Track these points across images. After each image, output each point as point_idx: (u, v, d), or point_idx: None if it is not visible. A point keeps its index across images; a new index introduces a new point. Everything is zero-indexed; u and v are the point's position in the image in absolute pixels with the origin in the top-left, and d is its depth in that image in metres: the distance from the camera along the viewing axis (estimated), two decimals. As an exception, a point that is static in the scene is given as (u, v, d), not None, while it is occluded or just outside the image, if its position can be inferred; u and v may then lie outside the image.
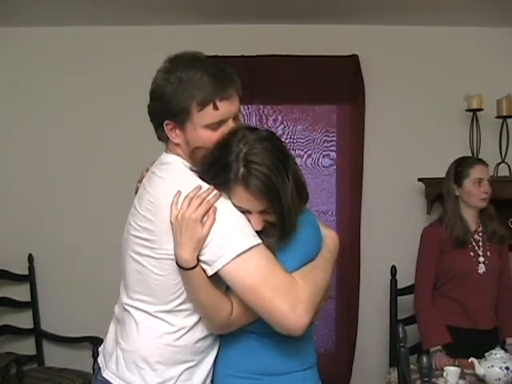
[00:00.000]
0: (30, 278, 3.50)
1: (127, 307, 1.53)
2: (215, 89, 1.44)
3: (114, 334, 1.60)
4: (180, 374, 1.49)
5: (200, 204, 1.37)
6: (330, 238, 1.58)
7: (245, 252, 1.36)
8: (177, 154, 1.52)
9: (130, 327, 1.52)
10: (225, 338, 1.53)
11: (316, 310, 1.42)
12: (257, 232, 1.42)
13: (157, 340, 1.48)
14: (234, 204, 1.41)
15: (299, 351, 1.53)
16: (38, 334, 3.50)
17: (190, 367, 1.51)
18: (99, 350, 1.66)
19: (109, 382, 1.53)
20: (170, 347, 1.48)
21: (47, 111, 3.55)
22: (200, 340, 1.50)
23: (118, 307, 1.62)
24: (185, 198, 1.38)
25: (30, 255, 3.51)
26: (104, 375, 1.55)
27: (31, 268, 3.51)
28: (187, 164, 1.49)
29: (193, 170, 1.46)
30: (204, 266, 1.39)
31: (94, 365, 1.66)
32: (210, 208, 1.38)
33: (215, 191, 1.40)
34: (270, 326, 1.40)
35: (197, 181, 1.42)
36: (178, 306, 1.46)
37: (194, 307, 1.45)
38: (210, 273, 1.38)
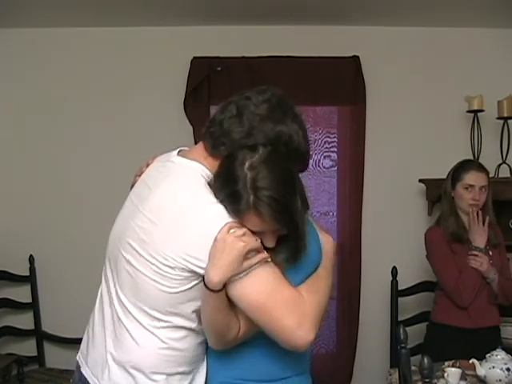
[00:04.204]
0: (30, 279, 3.50)
1: (118, 313, 1.47)
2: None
3: (103, 342, 1.50)
4: None
5: (252, 241, 1.34)
6: (327, 244, 1.56)
7: (254, 268, 1.34)
8: (196, 161, 1.45)
9: (123, 335, 1.45)
10: None
11: (320, 325, 1.41)
12: (266, 248, 1.39)
13: (156, 351, 1.43)
14: (245, 225, 1.36)
15: (295, 357, 1.51)
16: (38, 335, 3.49)
17: (188, 377, 1.48)
18: (78, 356, 1.59)
19: None
20: (170, 358, 1.44)
21: (48, 112, 3.55)
22: (197, 348, 1.48)
23: (99, 312, 1.55)
24: (239, 225, 1.34)
25: (30, 256, 3.51)
26: None
27: (32, 269, 3.51)
28: (206, 173, 1.43)
29: (209, 184, 1.40)
30: None
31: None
32: (258, 252, 1.35)
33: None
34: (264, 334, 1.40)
35: (210, 195, 1.37)
36: (173, 322, 1.42)
37: (204, 324, 1.41)
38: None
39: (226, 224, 1.33)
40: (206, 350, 1.53)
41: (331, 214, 3.70)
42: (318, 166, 3.65)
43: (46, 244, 3.52)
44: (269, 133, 1.41)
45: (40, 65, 3.55)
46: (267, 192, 1.32)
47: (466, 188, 2.79)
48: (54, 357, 3.50)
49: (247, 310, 1.36)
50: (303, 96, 3.51)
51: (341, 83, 3.52)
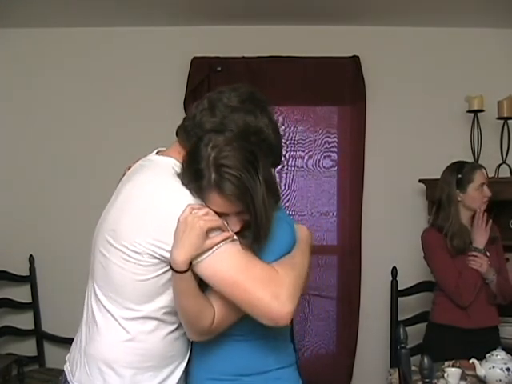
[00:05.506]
0: (30, 279, 3.51)
1: (92, 307, 1.50)
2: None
3: (79, 337, 1.55)
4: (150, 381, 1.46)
5: (213, 220, 1.36)
6: (301, 230, 1.58)
7: (219, 246, 1.35)
8: (171, 157, 1.50)
9: (92, 329, 1.48)
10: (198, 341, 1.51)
11: (298, 299, 1.41)
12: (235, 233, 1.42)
13: (121, 343, 1.44)
14: (209, 207, 1.38)
15: (274, 350, 1.52)
16: (38, 335, 3.50)
17: (160, 375, 1.47)
18: (66, 358, 1.60)
19: None
20: (135, 351, 1.44)
21: (48, 112, 3.56)
22: (169, 345, 1.47)
23: (84, 310, 1.58)
24: (202, 206, 1.36)
25: (30, 256, 3.51)
26: None
27: (32, 269, 3.51)
28: (178, 166, 1.45)
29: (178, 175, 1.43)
30: None
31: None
32: (223, 231, 1.36)
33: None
34: (244, 327, 1.41)
35: (177, 182, 1.40)
36: (142, 312, 1.42)
37: (178, 312, 1.41)
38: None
39: (188, 205, 1.34)
40: (190, 348, 1.53)
41: (331, 214, 3.70)
42: (318, 166, 3.63)
43: (46, 244, 3.52)
44: (239, 122, 1.43)
45: (40, 65, 3.56)
46: (228, 169, 1.33)
47: (478, 188, 2.79)
48: (54, 357, 3.49)
49: (220, 289, 1.36)
50: (303, 96, 3.52)
51: (341, 83, 3.52)
